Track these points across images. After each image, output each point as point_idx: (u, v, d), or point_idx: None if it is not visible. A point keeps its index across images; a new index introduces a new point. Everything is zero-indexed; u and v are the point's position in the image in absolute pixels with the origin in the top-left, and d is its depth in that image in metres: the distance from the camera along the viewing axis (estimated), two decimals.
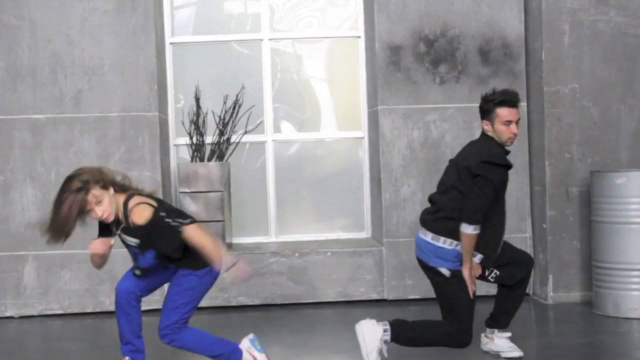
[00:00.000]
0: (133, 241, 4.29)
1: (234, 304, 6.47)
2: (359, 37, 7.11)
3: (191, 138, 6.78)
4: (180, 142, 7.06)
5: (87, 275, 6.41)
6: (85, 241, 6.40)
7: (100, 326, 6.09)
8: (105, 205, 4.20)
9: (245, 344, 4.55)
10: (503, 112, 4.54)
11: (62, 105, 6.44)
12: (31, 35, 6.42)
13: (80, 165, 6.34)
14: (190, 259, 4.31)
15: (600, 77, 6.33)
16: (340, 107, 7.34)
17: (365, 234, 7.16)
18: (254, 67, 7.25)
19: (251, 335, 4.60)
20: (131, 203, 4.22)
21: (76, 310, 6.44)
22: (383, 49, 6.59)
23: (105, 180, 4.22)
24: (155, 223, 4.18)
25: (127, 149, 6.46)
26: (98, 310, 6.45)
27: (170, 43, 7.10)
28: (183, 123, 6.91)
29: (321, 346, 4.82)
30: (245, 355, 4.54)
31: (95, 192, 4.16)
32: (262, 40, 7.20)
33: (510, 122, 4.53)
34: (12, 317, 6.40)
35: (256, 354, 4.54)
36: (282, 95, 7.28)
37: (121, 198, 4.26)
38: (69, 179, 4.17)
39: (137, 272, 4.48)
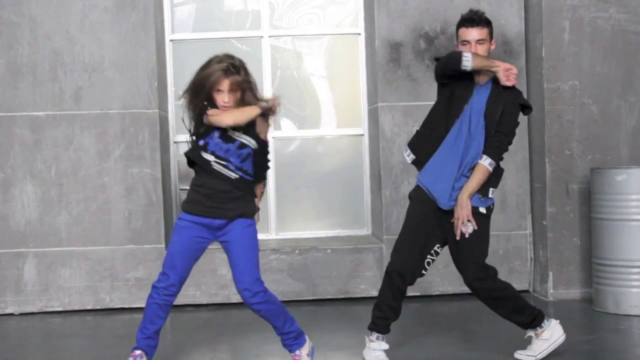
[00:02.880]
0: (252, 143, 4.30)
1: (234, 300, 6.47)
2: (359, 34, 7.10)
3: (191, 136, 6.77)
4: (180, 139, 7.05)
5: (87, 272, 6.41)
6: (84, 240, 6.44)
7: (101, 323, 6.10)
8: (232, 99, 4.21)
9: (308, 344, 4.52)
10: (461, 32, 4.46)
11: (62, 103, 6.44)
12: (31, 32, 6.41)
13: (80, 162, 6.40)
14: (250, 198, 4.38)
15: (601, 74, 6.33)
16: (340, 104, 7.34)
17: (366, 231, 7.16)
18: (254, 64, 7.18)
19: (311, 345, 4.57)
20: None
21: (76, 307, 6.44)
22: (383, 46, 6.59)
23: (251, 89, 4.27)
24: (267, 149, 4.41)
25: (127, 146, 6.46)
26: (98, 307, 6.45)
27: (170, 40, 7.10)
28: (183, 120, 6.88)
29: (321, 343, 4.82)
30: (305, 347, 4.50)
31: (235, 82, 4.18)
32: (262, 37, 7.20)
33: (467, 42, 4.43)
34: (12, 314, 6.40)
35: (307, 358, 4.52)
36: (282, 92, 7.27)
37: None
38: (228, 57, 4.26)
39: (219, 167, 4.29)
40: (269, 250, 6.54)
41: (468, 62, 4.32)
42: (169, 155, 6.96)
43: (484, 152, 4.43)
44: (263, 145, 4.37)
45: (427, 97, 6.57)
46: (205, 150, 4.30)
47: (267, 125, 4.39)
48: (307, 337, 4.53)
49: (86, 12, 6.45)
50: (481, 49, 4.43)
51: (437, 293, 6.50)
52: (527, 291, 6.61)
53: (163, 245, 6.41)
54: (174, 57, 7.13)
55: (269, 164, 4.50)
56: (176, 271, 4.36)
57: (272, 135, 7.17)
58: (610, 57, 6.33)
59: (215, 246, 6.54)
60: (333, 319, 5.92)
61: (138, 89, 6.45)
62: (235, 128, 4.27)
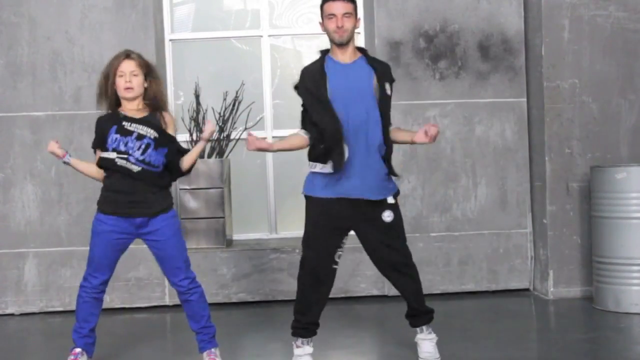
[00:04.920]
0: (151, 132, 4.36)
1: (234, 300, 6.47)
2: (359, 33, 7.09)
3: (191, 135, 6.78)
4: (180, 138, 7.02)
5: None
6: (84, 240, 6.43)
7: (101, 323, 6.06)
8: (137, 81, 4.39)
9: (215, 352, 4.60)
10: (326, 7, 4.39)
11: (62, 103, 6.44)
12: (30, 32, 6.42)
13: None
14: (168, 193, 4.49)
15: (600, 73, 6.33)
16: None
17: None
18: (253, 64, 7.25)
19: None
20: (167, 114, 4.53)
21: None
22: (383, 44, 6.59)
23: (150, 73, 4.46)
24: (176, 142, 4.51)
25: None
26: None
27: (170, 40, 7.10)
28: (183, 120, 6.90)
29: (322, 342, 4.82)
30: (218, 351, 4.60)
31: (137, 66, 4.38)
32: (261, 36, 7.20)
33: (333, 15, 4.35)
34: (12, 315, 6.40)
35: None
36: (282, 91, 7.28)
37: (146, 104, 4.49)
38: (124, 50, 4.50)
39: (122, 162, 4.34)
40: (269, 249, 6.54)
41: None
42: None
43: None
44: (171, 139, 4.46)
45: (427, 96, 6.57)
46: (107, 149, 4.38)
47: (171, 120, 4.52)
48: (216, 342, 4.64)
49: (86, 12, 6.45)
50: (348, 22, 4.37)
51: (438, 292, 6.50)
52: (527, 289, 6.62)
53: None
54: (174, 57, 7.13)
55: (189, 158, 4.56)
56: (103, 272, 4.52)
57: (272, 134, 7.18)
58: (609, 55, 6.33)
59: (215, 246, 6.57)
60: (333, 318, 5.91)
61: None
62: (130, 119, 4.37)
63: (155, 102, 4.46)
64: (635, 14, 6.33)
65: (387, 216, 4.48)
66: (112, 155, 4.34)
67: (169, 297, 6.42)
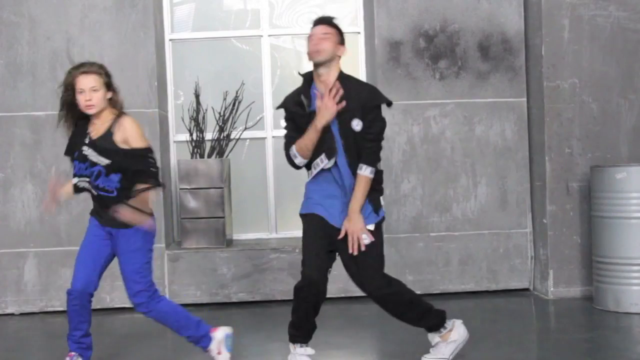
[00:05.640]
0: (102, 160, 4.29)
1: (234, 300, 6.47)
2: (359, 32, 7.10)
3: (191, 134, 6.78)
4: (180, 138, 7.06)
5: None
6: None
7: (101, 322, 6.09)
8: (97, 97, 4.27)
9: (219, 335, 4.53)
10: (311, 30, 4.37)
11: None
12: (31, 32, 6.41)
13: None
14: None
15: (600, 72, 6.33)
16: None
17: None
18: (253, 64, 7.25)
19: (229, 330, 4.58)
20: (126, 118, 4.33)
21: None
22: (383, 44, 6.59)
23: (110, 84, 4.34)
24: (145, 154, 4.28)
25: None
26: (98, 307, 6.42)
27: (170, 39, 7.10)
28: (183, 119, 6.91)
29: (322, 342, 4.81)
30: (213, 345, 4.51)
31: (97, 80, 4.27)
32: (261, 36, 7.20)
33: (312, 34, 4.32)
34: (12, 314, 6.40)
35: (223, 350, 4.52)
36: (282, 91, 7.23)
37: (113, 112, 4.35)
38: (81, 64, 4.36)
39: (84, 184, 4.36)
40: (269, 249, 6.54)
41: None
42: (168, 154, 6.96)
43: (361, 162, 4.28)
44: (127, 153, 4.28)
45: (427, 95, 6.57)
46: (74, 175, 4.42)
47: (131, 124, 4.30)
48: (212, 337, 4.53)
49: (86, 12, 6.45)
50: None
51: (437, 292, 6.50)
52: (527, 289, 6.62)
53: (163, 245, 6.41)
54: (174, 57, 7.13)
55: (152, 170, 4.32)
56: (83, 276, 4.43)
57: (272, 134, 7.18)
58: (609, 55, 6.33)
59: (215, 246, 6.57)
60: (333, 318, 5.91)
61: (138, 89, 6.44)
62: (89, 143, 4.32)
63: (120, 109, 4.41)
64: (635, 13, 6.33)
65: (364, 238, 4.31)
66: (74, 180, 4.42)
67: (169, 297, 6.42)
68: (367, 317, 5.99)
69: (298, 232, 7.33)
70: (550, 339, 5.21)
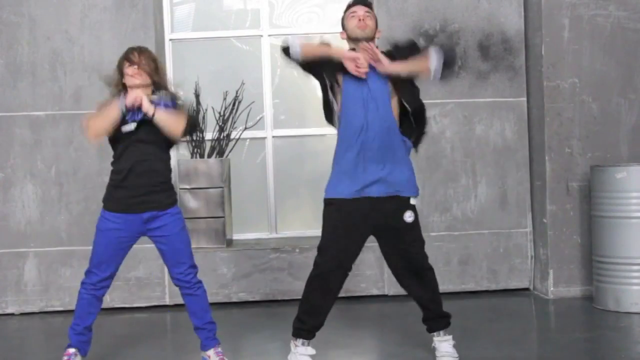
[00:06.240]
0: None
1: (234, 300, 6.47)
2: None
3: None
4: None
5: None
6: (84, 239, 6.43)
7: (101, 322, 6.08)
8: (143, 76, 4.58)
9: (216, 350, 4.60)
10: (351, 9, 4.61)
11: (62, 102, 6.44)
12: (30, 32, 6.42)
13: (80, 161, 6.41)
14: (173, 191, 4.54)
15: (600, 72, 6.33)
16: None
17: None
18: (253, 63, 7.25)
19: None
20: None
21: None
22: (383, 44, 6.57)
23: (159, 74, 4.70)
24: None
25: None
26: None
27: (170, 39, 7.10)
28: None
29: (322, 341, 4.81)
30: (218, 350, 4.59)
31: (146, 63, 4.64)
32: (261, 36, 7.20)
33: (355, 12, 4.59)
34: (12, 314, 6.40)
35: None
36: (282, 91, 7.28)
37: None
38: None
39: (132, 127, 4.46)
40: (269, 249, 6.54)
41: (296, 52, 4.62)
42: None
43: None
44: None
45: (427, 94, 6.55)
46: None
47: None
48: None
49: (86, 12, 6.45)
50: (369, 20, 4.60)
51: None
52: (527, 289, 6.62)
53: None
54: (174, 57, 7.13)
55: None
56: (104, 268, 4.57)
57: (272, 134, 7.18)
58: (609, 54, 6.33)
59: (215, 246, 6.57)
60: (333, 318, 5.90)
61: None
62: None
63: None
64: (635, 13, 6.33)
65: (409, 217, 4.48)
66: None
67: (169, 296, 6.43)
68: (367, 317, 5.99)
69: (298, 232, 7.38)
70: (550, 338, 5.21)
